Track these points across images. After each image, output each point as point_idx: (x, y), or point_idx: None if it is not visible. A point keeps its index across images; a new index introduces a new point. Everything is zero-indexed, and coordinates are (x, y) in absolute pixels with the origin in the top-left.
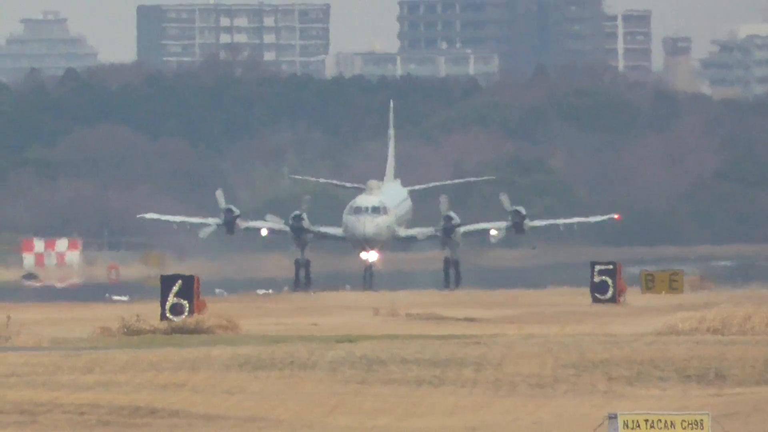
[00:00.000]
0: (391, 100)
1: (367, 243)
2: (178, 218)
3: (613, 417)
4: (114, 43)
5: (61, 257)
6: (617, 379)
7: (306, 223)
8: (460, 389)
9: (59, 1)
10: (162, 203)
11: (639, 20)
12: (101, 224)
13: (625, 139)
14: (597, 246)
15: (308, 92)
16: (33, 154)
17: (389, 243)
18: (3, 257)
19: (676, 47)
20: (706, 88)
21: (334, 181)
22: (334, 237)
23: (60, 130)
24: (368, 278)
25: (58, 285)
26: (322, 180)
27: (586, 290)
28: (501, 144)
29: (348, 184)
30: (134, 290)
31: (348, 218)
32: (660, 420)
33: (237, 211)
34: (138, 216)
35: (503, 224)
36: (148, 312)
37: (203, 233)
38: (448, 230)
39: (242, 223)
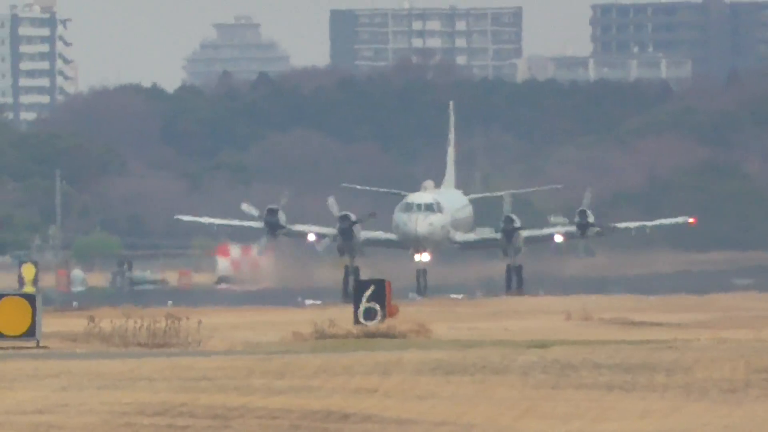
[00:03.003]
0: (451, 102)
1: (419, 243)
2: (216, 220)
3: None
4: (306, 48)
5: (256, 261)
6: None
7: (356, 226)
8: (650, 394)
9: (252, 6)
10: (354, 208)
11: None
12: None
13: None
14: None
15: (500, 96)
16: (226, 158)
17: (444, 246)
18: (197, 262)
19: None
20: None
21: (393, 190)
22: (386, 242)
23: (253, 134)
24: (422, 284)
25: (252, 289)
26: (375, 189)
27: None
28: (694, 149)
29: (403, 192)
30: (327, 294)
31: (399, 216)
32: None
33: (279, 208)
34: (175, 217)
35: (570, 228)
36: (341, 316)
37: (260, 250)
38: (509, 233)
39: (287, 226)
